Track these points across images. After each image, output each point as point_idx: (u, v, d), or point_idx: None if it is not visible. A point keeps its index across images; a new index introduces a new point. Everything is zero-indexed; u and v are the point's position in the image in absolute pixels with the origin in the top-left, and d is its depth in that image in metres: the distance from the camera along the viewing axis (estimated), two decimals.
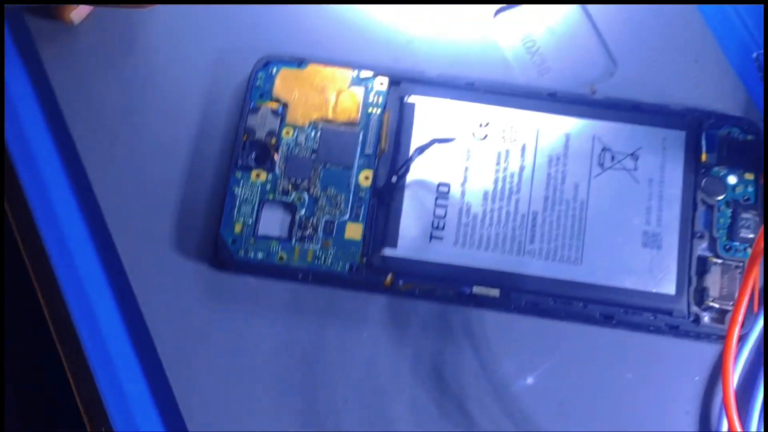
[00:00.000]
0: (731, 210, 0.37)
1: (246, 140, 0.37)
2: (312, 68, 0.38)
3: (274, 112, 0.38)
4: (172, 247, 0.37)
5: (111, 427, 0.36)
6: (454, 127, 0.38)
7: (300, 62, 0.39)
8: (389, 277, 0.36)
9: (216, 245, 0.36)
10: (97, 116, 0.39)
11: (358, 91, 0.38)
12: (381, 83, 0.38)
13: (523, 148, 0.38)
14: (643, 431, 0.36)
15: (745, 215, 0.37)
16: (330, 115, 0.38)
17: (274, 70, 0.39)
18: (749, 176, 0.38)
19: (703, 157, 0.38)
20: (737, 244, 0.37)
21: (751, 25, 0.40)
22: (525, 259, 0.36)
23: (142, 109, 0.39)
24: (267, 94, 0.38)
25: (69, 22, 0.40)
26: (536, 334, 0.36)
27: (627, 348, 0.36)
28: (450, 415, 0.35)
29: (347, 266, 0.36)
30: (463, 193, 0.37)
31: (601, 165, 0.38)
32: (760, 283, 0.36)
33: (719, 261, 0.36)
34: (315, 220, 0.37)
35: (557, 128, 0.38)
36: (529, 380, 0.36)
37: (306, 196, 0.37)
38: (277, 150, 0.37)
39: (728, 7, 0.41)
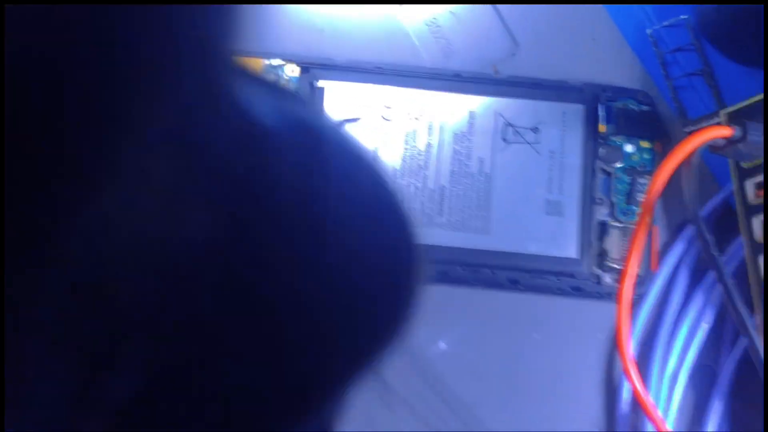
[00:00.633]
0: (628, 176, 0.39)
1: None
2: None
3: None
4: None
5: None
6: (362, 109, 0.40)
7: None
8: None
9: None
10: None
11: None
12: (292, 70, 0.40)
13: (430, 127, 0.40)
14: (550, 388, 0.37)
15: (641, 181, 0.39)
16: None
17: None
18: (645, 144, 0.40)
19: (601, 128, 0.40)
20: (635, 208, 0.39)
21: (645, 5, 0.43)
22: (434, 230, 0.38)
23: None
24: None
25: None
26: (448, 301, 0.38)
27: (534, 310, 0.38)
28: (364, 380, 0.37)
29: None
30: None
31: (505, 140, 0.40)
32: (658, 243, 0.38)
33: (618, 224, 0.39)
34: None
35: (462, 106, 0.40)
36: (442, 345, 0.38)
37: None
38: None
39: None
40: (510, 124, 0.40)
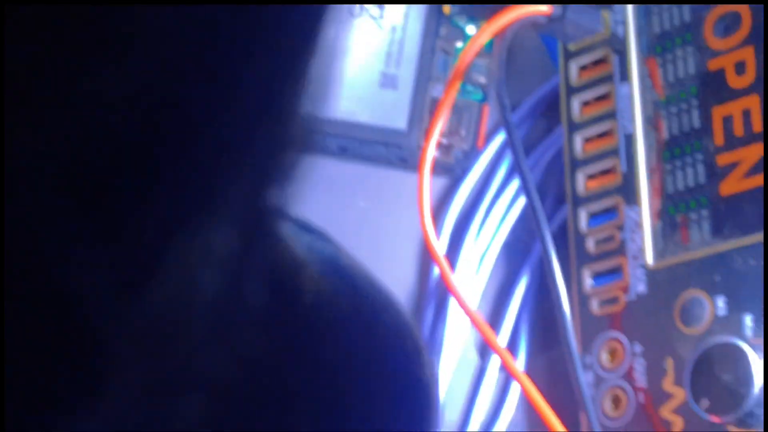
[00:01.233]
0: None
1: None
2: None
3: None
4: None
5: None
6: None
7: None
8: None
9: None
10: None
11: None
12: None
13: None
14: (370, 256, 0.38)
15: (479, 62, 0.40)
16: None
17: None
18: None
19: (446, 9, 0.40)
20: (470, 87, 0.40)
21: None
22: None
23: None
24: None
25: None
26: None
27: (361, 179, 0.39)
28: None
29: None
30: None
31: (351, 13, 0.40)
32: (486, 122, 0.39)
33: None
34: None
35: None
36: None
37: None
38: None
39: None
40: None
